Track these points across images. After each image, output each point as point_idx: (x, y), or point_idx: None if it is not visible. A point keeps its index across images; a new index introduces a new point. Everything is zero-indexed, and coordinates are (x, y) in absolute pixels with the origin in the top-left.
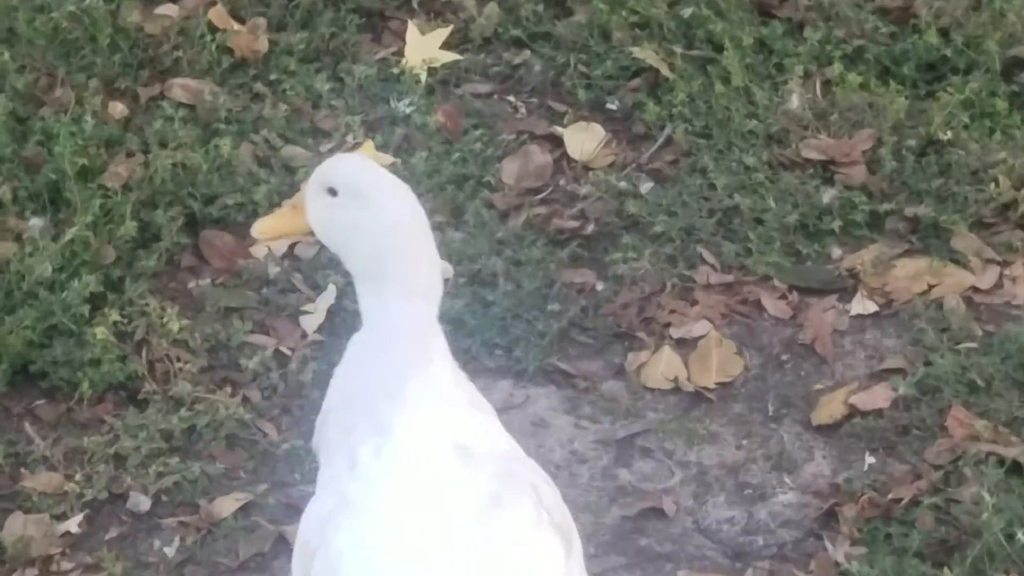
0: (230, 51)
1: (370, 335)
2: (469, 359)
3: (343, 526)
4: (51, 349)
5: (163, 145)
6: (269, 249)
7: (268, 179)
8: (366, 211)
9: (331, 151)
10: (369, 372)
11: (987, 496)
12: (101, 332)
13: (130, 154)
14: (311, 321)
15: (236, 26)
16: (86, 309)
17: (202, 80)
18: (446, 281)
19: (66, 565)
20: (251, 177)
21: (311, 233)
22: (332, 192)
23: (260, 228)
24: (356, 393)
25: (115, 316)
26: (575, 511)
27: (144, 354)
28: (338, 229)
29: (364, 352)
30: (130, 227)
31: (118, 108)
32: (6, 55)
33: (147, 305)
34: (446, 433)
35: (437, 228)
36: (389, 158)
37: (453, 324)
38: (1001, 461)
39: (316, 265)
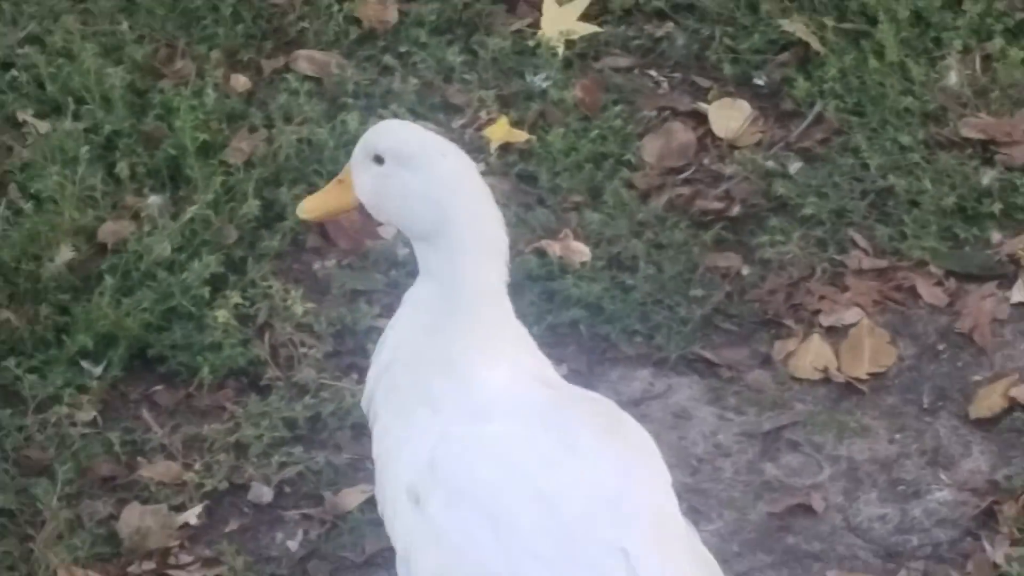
0: (357, 21)
1: (442, 293)
2: (607, 346)
3: (465, 452)
4: (170, 333)
5: (287, 119)
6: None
7: None
8: (418, 175)
9: (463, 127)
10: (446, 330)
11: None
12: (222, 315)
13: (253, 129)
14: None
15: None
16: (206, 291)
17: (328, 52)
18: (582, 263)
19: (185, 558)
20: None
21: (360, 207)
22: (379, 160)
23: (306, 206)
24: (431, 348)
25: (236, 299)
26: (719, 506)
27: (267, 339)
28: (390, 198)
29: (435, 310)
30: (253, 206)
31: (240, 81)
32: (124, 25)
33: (270, 287)
34: (535, 377)
35: (575, 208)
36: (524, 135)
37: (590, 310)
38: None
39: None
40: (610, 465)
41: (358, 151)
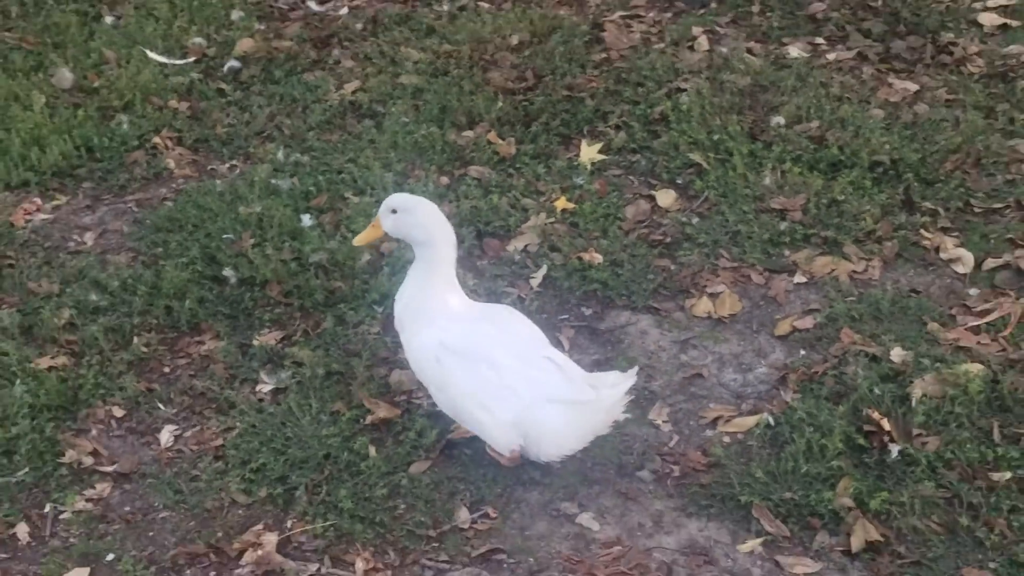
0: (496, 151)
1: (426, 271)
2: (609, 301)
3: (458, 335)
4: None
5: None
6: (525, 247)
7: None
8: (414, 216)
9: (545, 201)
10: (425, 289)
11: None
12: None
13: None
14: (534, 282)
15: None
16: None
17: (482, 166)
18: (598, 264)
19: None
20: None
21: (387, 236)
22: (394, 211)
23: (357, 239)
24: (420, 296)
25: None
26: (654, 373)
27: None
28: (402, 230)
29: (423, 279)
30: None
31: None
32: None
33: None
34: (469, 302)
35: (595, 238)
36: (571, 205)
37: (601, 284)
38: None
39: (536, 255)
40: (521, 328)
41: (383, 208)
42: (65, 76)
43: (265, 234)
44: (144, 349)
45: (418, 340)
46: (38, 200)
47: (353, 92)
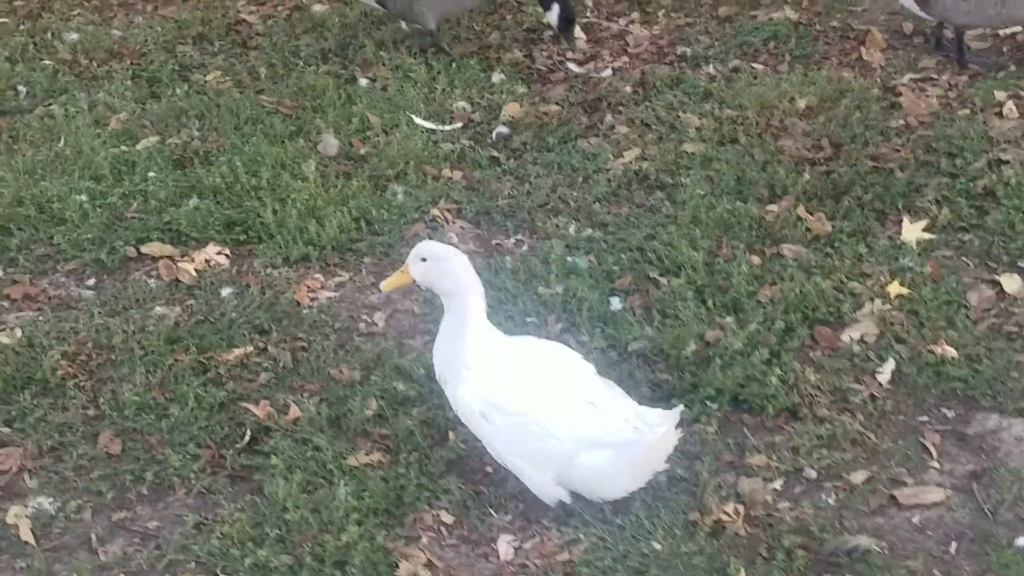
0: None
1: (458, 324)
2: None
3: (498, 393)
4: None
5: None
6: (861, 337)
7: None
8: (445, 265)
9: None
10: (461, 342)
11: None
12: None
13: None
14: (882, 377)
15: None
16: None
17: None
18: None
19: None
20: None
21: (415, 283)
22: (424, 260)
23: (385, 284)
24: (454, 350)
25: None
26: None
27: None
28: (431, 279)
29: (457, 331)
30: None
31: None
32: None
33: None
34: (500, 359)
35: None
36: None
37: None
38: None
39: (876, 347)
40: (565, 367)
41: (412, 255)
42: (331, 143)
43: (573, 318)
44: (462, 446)
45: (461, 396)
46: (320, 276)
47: (633, 161)
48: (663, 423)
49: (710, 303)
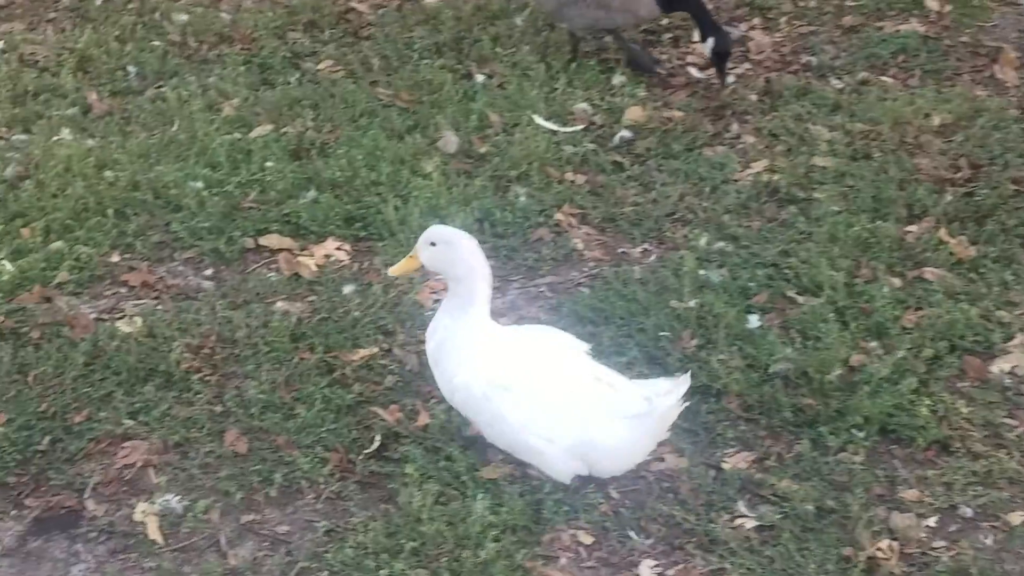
0: None
1: (461, 307)
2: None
3: (487, 369)
4: None
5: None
6: (1012, 369)
7: None
8: (454, 250)
9: None
10: (462, 325)
11: None
12: None
13: None
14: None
15: None
16: None
17: None
18: None
19: None
20: None
21: (423, 268)
22: (433, 244)
23: (393, 270)
24: (456, 333)
25: None
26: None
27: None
28: (440, 264)
29: (459, 315)
30: None
31: None
32: None
33: None
34: (498, 329)
35: None
36: None
37: None
38: None
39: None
40: (565, 347)
41: (421, 240)
42: (451, 140)
43: (709, 334)
44: None
45: (461, 379)
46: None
47: (762, 172)
48: (672, 391)
49: (852, 326)
